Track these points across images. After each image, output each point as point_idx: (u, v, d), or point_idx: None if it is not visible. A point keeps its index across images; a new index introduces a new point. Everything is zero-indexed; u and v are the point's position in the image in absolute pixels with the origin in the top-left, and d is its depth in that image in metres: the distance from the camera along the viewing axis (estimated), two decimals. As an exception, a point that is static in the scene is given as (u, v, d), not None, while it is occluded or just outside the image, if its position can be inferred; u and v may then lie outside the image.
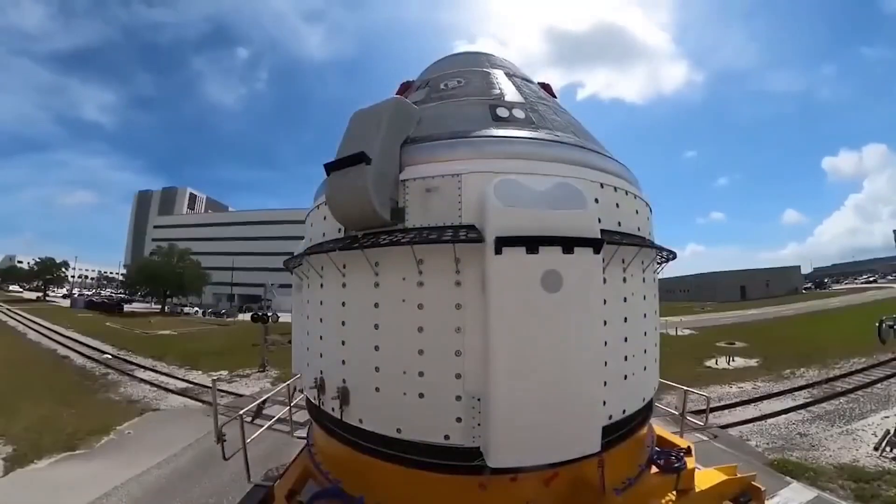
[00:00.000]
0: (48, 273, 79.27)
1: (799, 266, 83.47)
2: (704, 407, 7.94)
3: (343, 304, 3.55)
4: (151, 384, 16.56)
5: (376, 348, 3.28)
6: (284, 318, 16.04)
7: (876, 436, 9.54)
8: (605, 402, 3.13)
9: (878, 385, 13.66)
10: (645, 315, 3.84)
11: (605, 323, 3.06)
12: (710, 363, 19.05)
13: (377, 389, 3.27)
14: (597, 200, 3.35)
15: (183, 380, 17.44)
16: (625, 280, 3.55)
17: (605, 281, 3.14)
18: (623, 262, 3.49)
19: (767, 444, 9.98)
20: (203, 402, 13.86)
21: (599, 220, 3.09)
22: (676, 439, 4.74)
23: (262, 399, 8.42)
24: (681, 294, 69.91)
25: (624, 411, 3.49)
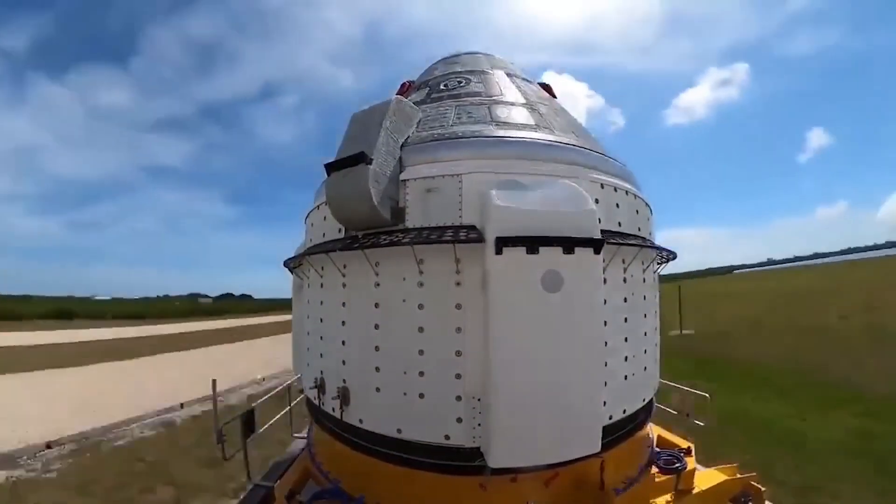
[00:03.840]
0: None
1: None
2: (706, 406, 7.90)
3: (343, 304, 3.54)
4: None
5: (377, 348, 3.28)
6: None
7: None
8: (605, 403, 3.12)
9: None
10: (645, 315, 3.84)
11: (605, 323, 3.06)
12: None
13: (377, 389, 3.27)
14: (597, 201, 3.35)
15: None
16: (625, 280, 3.54)
17: (605, 281, 3.14)
18: (623, 262, 3.48)
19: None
20: None
21: (600, 221, 3.08)
22: (677, 439, 4.73)
23: (255, 405, 8.30)
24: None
25: (624, 411, 3.48)
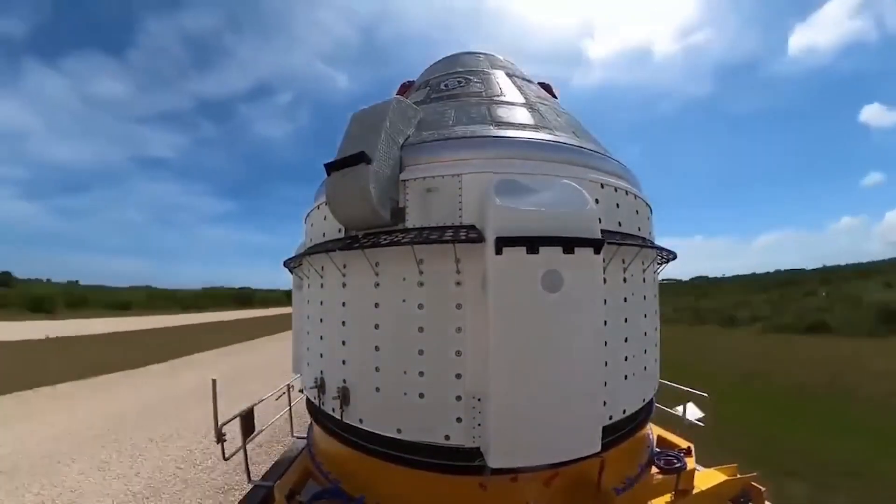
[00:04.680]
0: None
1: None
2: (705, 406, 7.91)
3: (343, 304, 3.54)
4: None
5: (376, 348, 3.28)
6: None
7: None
8: (605, 403, 3.13)
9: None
10: (645, 315, 3.84)
11: (605, 323, 3.06)
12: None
13: (377, 389, 3.27)
14: (597, 201, 3.35)
15: None
16: (625, 280, 3.54)
17: (605, 281, 3.14)
18: (623, 262, 3.49)
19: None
20: None
21: (600, 221, 3.08)
22: (677, 439, 4.74)
23: (254, 405, 8.31)
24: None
25: (624, 411, 3.48)
